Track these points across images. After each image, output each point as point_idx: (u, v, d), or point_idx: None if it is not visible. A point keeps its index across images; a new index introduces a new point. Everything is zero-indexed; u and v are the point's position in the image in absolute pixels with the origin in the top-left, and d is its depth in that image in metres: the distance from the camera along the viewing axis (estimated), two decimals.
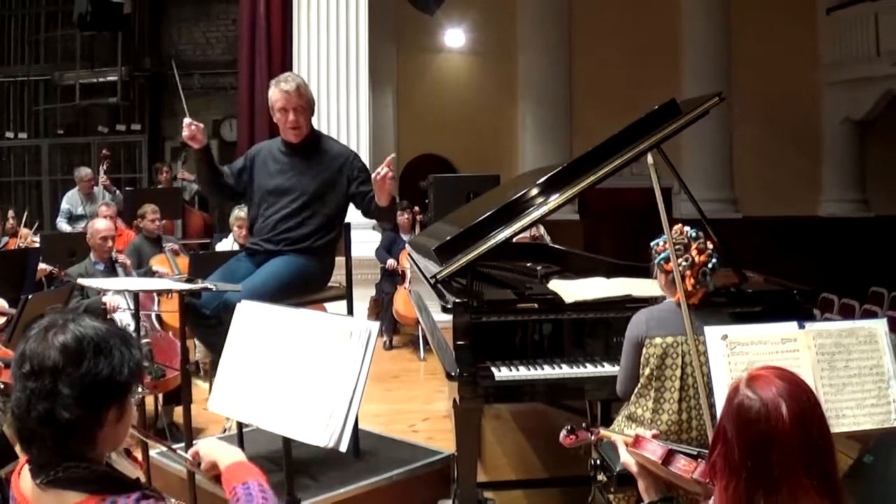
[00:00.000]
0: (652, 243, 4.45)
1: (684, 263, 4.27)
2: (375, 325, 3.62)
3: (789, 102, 17.09)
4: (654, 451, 3.12)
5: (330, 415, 3.47)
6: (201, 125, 5.94)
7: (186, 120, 5.85)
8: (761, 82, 16.67)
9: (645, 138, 5.56)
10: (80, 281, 6.04)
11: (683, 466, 3.01)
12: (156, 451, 5.46)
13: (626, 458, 3.30)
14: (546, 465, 6.64)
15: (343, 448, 3.45)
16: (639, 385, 4.34)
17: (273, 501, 2.60)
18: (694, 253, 4.30)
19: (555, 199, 5.40)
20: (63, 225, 12.60)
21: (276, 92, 5.95)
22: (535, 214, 5.40)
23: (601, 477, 4.41)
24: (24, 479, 2.45)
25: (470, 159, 16.62)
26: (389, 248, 11.59)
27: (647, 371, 4.29)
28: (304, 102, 5.92)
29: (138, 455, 3.14)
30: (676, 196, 16.97)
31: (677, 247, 4.29)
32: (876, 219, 17.63)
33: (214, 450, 2.83)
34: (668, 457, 3.06)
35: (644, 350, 4.31)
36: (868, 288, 14.16)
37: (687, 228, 4.42)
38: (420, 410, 7.99)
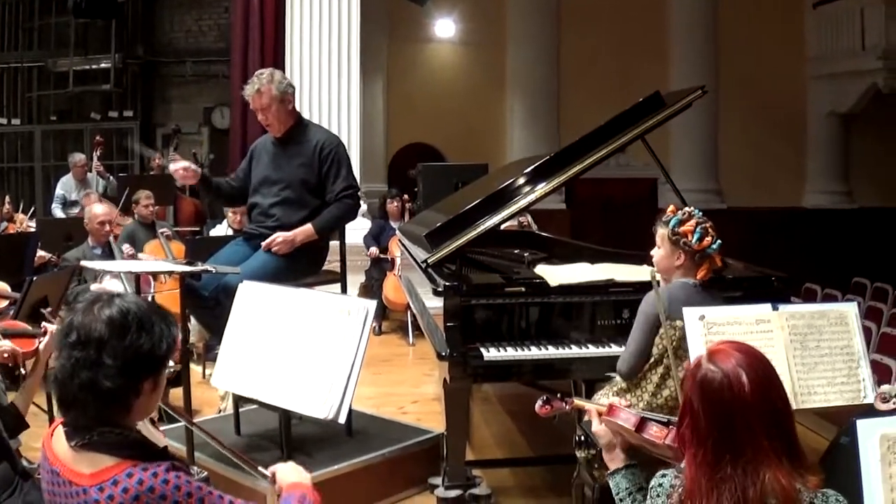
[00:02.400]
0: (671, 222, 4.46)
1: (718, 242, 4.40)
2: (373, 304, 3.81)
3: (775, 95, 17.24)
4: (627, 418, 3.31)
5: (329, 388, 3.65)
6: (189, 164, 6.16)
7: (172, 167, 6.10)
8: (748, 74, 16.83)
9: (629, 129, 5.75)
10: (83, 263, 6.20)
11: (655, 433, 3.21)
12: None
13: (598, 429, 3.46)
14: (531, 444, 6.80)
15: (342, 419, 3.63)
16: (648, 363, 4.44)
17: None
18: (712, 232, 4.43)
19: (542, 188, 5.59)
20: (58, 211, 12.71)
21: (246, 94, 6.20)
22: (523, 202, 5.58)
23: (584, 453, 4.56)
24: (57, 441, 2.61)
25: (458, 148, 16.72)
26: (378, 235, 11.66)
27: (661, 351, 4.37)
28: (267, 101, 6.12)
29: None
30: (663, 186, 17.17)
31: (702, 227, 4.40)
32: (859, 210, 17.81)
33: (286, 474, 3.04)
34: (641, 424, 3.25)
35: (661, 330, 4.34)
36: (851, 278, 14.34)
37: (690, 209, 4.52)
38: (409, 393, 8.12)
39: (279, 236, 5.95)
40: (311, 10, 12.24)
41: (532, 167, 5.74)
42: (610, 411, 3.37)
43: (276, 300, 4.13)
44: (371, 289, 11.39)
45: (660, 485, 2.77)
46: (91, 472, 2.48)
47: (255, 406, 5.96)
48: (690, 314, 3.99)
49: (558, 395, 3.71)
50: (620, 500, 3.22)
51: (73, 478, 2.51)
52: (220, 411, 6.62)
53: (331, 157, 6.13)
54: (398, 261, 10.72)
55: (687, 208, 4.55)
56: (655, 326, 4.41)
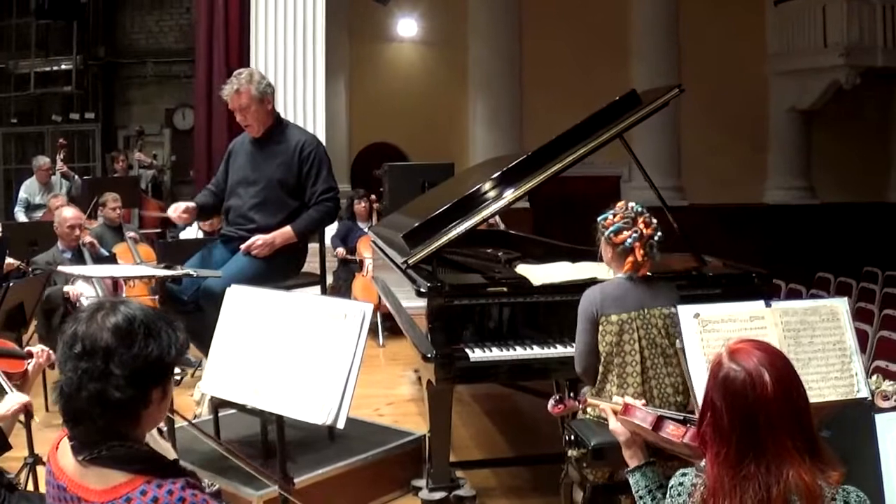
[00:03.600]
0: (599, 218, 4.61)
1: (634, 235, 4.46)
2: (370, 307, 3.76)
3: (737, 92, 17.29)
4: (644, 417, 3.29)
5: (327, 394, 3.60)
6: (187, 205, 6.17)
7: (173, 214, 6.13)
8: (710, 71, 16.85)
9: (608, 128, 5.74)
10: (61, 268, 6.12)
11: (673, 431, 3.19)
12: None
13: (615, 426, 3.45)
14: (511, 444, 6.80)
15: (341, 425, 3.59)
16: (602, 363, 4.49)
17: None
18: (641, 226, 4.50)
19: (523, 186, 5.57)
20: (20, 215, 12.56)
21: (224, 94, 6.15)
22: (504, 201, 5.56)
23: (574, 452, 4.55)
24: (63, 454, 2.52)
25: (421, 147, 16.65)
26: (345, 236, 11.59)
27: (606, 348, 4.46)
28: (245, 101, 6.05)
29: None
30: (626, 184, 17.23)
31: (625, 220, 4.49)
32: (821, 206, 17.91)
33: None
34: (658, 423, 3.24)
35: (601, 327, 4.47)
36: (814, 274, 14.43)
37: (632, 204, 4.61)
38: (384, 395, 8.09)
39: (258, 239, 5.89)
40: (276, 10, 12.17)
41: (510, 165, 5.73)
42: (626, 410, 3.36)
43: (267, 304, 4.07)
44: (339, 290, 11.34)
45: (681, 483, 2.76)
46: (102, 488, 2.39)
47: (233, 411, 5.94)
48: (685, 312, 3.99)
49: (570, 395, 3.70)
50: (640, 498, 3.20)
51: (82, 494, 2.42)
52: (195, 417, 6.57)
53: (311, 158, 6.07)
54: (367, 262, 10.68)
55: (631, 203, 4.63)
56: (594, 324, 4.51)
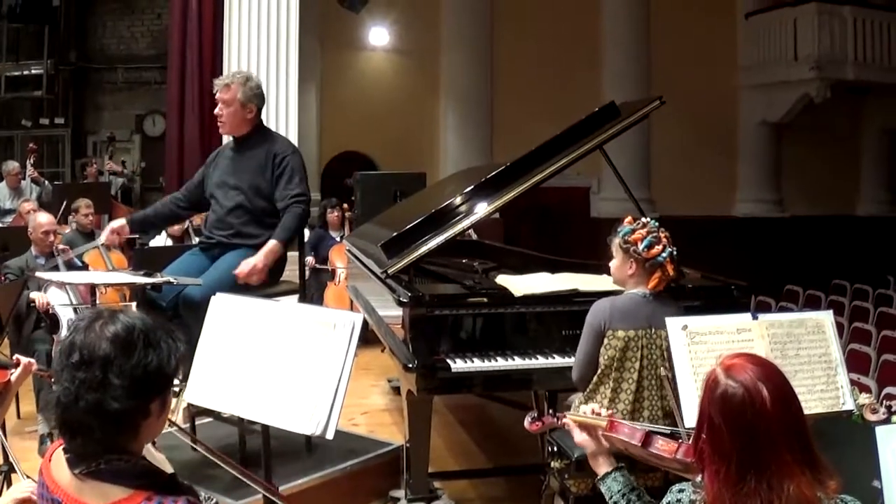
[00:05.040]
0: (622, 232, 4.50)
1: (668, 251, 4.42)
2: (359, 317, 3.74)
3: (707, 104, 17.35)
4: (631, 434, 3.26)
5: (315, 404, 3.57)
6: (116, 225, 6.16)
7: (107, 235, 6.11)
8: (680, 84, 16.84)
9: (587, 139, 5.76)
10: (39, 274, 6.07)
11: (663, 447, 3.17)
12: None
13: (581, 439, 3.39)
14: (487, 454, 6.79)
15: (330, 436, 3.56)
16: (597, 374, 4.47)
17: None
18: (665, 241, 4.46)
19: (505, 195, 5.59)
20: None
21: (216, 82, 6.15)
22: (486, 210, 5.57)
23: (557, 463, 4.54)
24: (57, 468, 2.45)
25: (391, 156, 16.60)
26: (316, 245, 11.55)
27: (607, 361, 4.43)
28: (229, 97, 6.06)
29: None
30: (595, 195, 17.29)
31: (653, 235, 4.44)
32: (791, 219, 18.02)
33: None
34: (648, 438, 3.22)
35: (605, 341, 4.43)
36: (783, 286, 14.52)
37: (644, 219, 4.57)
38: (357, 405, 8.04)
39: (248, 268, 5.76)
40: (251, 17, 12.10)
41: (491, 175, 5.72)
42: (611, 427, 3.32)
43: (254, 313, 4.03)
44: (311, 299, 11.28)
45: (678, 500, 2.74)
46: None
47: (210, 419, 5.90)
48: (673, 324, 3.98)
49: (549, 411, 3.67)
50: (615, 503, 3.18)
51: None
52: (170, 424, 6.50)
53: (283, 164, 6.03)
54: (339, 271, 10.65)
55: (644, 219, 4.57)
56: (599, 336, 4.46)
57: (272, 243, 5.80)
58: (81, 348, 2.34)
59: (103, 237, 6.26)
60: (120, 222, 6.20)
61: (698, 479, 2.70)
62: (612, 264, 4.63)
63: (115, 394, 2.30)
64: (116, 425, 2.33)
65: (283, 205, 5.97)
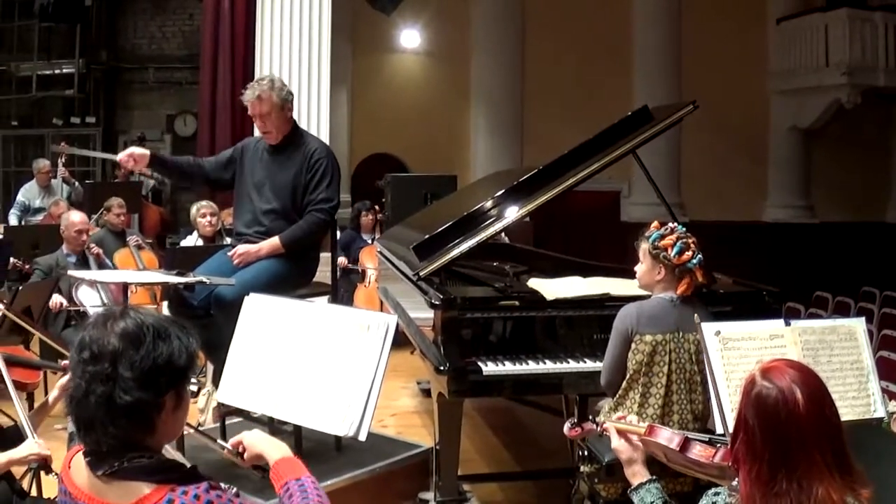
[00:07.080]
0: (651, 237, 4.51)
1: (699, 256, 4.42)
2: (393, 318, 3.74)
3: (738, 109, 17.30)
4: (670, 438, 3.26)
5: (348, 405, 3.58)
6: (133, 151, 6.08)
7: (121, 158, 6.03)
8: (711, 89, 16.76)
9: (620, 143, 5.74)
10: (72, 273, 6.10)
11: (701, 452, 3.17)
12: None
13: (618, 444, 3.39)
14: (515, 458, 6.78)
15: (363, 437, 3.57)
16: (626, 379, 4.47)
17: (326, 500, 2.66)
18: (693, 247, 4.45)
19: (538, 198, 5.61)
20: (13, 219, 12.48)
21: (245, 99, 6.13)
22: (519, 213, 5.59)
23: (587, 467, 4.53)
24: (77, 472, 2.47)
25: (422, 159, 16.62)
26: (347, 246, 11.54)
27: (635, 366, 4.43)
28: (267, 108, 6.05)
29: None
30: (625, 200, 17.25)
31: (683, 241, 4.43)
32: (820, 225, 17.94)
33: (259, 442, 2.87)
34: (686, 443, 3.21)
35: (633, 346, 4.44)
36: (812, 292, 14.44)
37: (672, 224, 4.56)
38: (387, 406, 8.03)
39: (240, 248, 5.84)
40: (283, 18, 12.13)
41: (524, 178, 5.72)
42: (650, 431, 3.32)
43: (288, 314, 4.05)
44: (341, 300, 11.29)
45: (714, 503, 2.74)
46: (125, 502, 2.33)
47: (239, 419, 5.91)
48: (707, 330, 3.98)
49: (590, 417, 3.66)
50: None
51: None
52: (199, 425, 6.53)
53: (318, 166, 6.06)
54: (369, 272, 10.66)
55: (670, 224, 4.56)
56: (627, 341, 4.47)
57: (274, 240, 5.85)
58: (91, 344, 2.38)
59: (121, 155, 6.20)
60: (143, 150, 6.20)
61: (734, 482, 2.70)
62: (639, 269, 4.64)
63: (125, 385, 2.32)
64: (129, 419, 2.34)
65: (308, 208, 6.00)
